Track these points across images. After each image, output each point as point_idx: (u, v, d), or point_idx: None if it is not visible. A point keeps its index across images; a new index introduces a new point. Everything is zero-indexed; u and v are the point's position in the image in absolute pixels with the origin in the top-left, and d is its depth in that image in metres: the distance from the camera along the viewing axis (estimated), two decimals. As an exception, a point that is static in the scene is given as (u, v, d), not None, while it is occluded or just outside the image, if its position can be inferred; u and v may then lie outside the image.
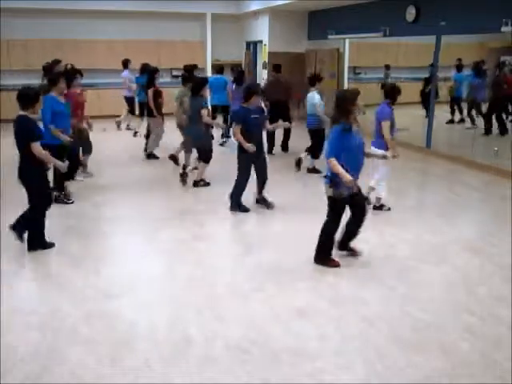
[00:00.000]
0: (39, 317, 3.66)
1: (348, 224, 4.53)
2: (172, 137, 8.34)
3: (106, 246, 5.07)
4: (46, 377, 3.00)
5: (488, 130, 9.70)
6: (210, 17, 13.60)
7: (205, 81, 6.99)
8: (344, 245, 4.62)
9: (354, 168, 4.22)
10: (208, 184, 7.03)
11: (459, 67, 10.69)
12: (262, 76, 13.42)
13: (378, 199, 5.89)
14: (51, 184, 5.78)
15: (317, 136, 7.57)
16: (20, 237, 4.75)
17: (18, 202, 6.00)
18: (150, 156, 8.69)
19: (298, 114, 11.56)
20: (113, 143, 9.81)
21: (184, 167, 7.69)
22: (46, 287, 4.25)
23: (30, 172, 4.58)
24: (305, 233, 5.27)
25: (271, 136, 8.82)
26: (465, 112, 10.79)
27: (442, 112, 9.91)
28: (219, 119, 9.75)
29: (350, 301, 3.91)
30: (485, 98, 10.33)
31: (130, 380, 2.98)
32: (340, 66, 11.94)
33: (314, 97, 7.46)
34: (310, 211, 5.93)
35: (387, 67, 12.04)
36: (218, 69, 10.25)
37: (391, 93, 5.68)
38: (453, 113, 10.92)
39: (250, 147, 5.61)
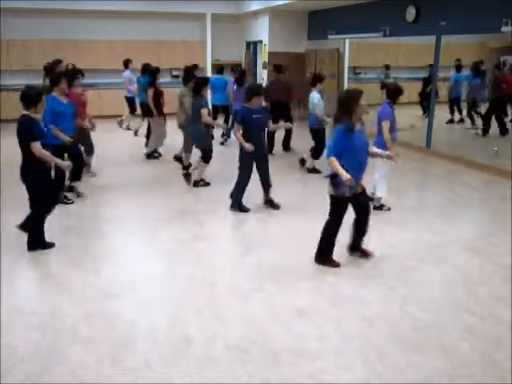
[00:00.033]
0: (39, 317, 3.66)
1: (354, 226, 4.53)
2: (174, 137, 8.32)
3: (106, 246, 5.08)
4: (46, 377, 3.00)
5: (486, 130, 9.71)
6: (209, 17, 13.59)
7: (206, 80, 6.99)
8: (354, 247, 4.62)
9: (356, 168, 4.21)
10: (208, 184, 7.04)
11: (458, 67, 10.70)
12: (262, 76, 13.42)
13: (378, 199, 5.89)
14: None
15: (318, 136, 7.57)
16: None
17: (18, 201, 6.02)
18: (150, 156, 8.69)
19: (299, 114, 11.57)
20: (113, 143, 9.81)
21: (187, 167, 7.70)
22: (46, 287, 4.25)
23: (31, 172, 4.59)
24: (305, 233, 5.27)
25: (271, 136, 8.83)
26: (464, 112, 10.81)
27: (441, 112, 9.92)
28: (220, 119, 9.75)
29: (350, 301, 3.91)
30: (484, 98, 10.33)
31: (130, 380, 2.98)
32: (340, 66, 11.94)
33: (313, 96, 7.46)
34: (310, 211, 5.93)
35: (387, 67, 12.05)
36: (219, 69, 10.26)
37: (392, 93, 5.68)
38: (452, 113, 10.93)
39: (248, 147, 5.63)
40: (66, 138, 5.70)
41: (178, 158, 7.92)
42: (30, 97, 4.52)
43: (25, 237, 4.77)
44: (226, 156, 7.92)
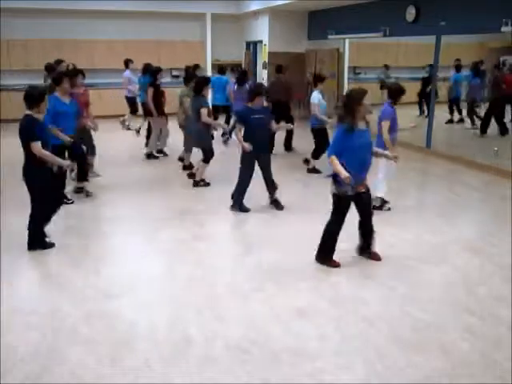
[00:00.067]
0: (39, 317, 3.66)
1: (359, 226, 4.52)
2: (176, 137, 8.31)
3: (106, 246, 5.07)
4: (46, 377, 3.00)
5: (483, 130, 9.71)
6: (209, 17, 13.60)
7: (207, 80, 6.98)
8: (363, 249, 4.62)
9: (358, 167, 4.20)
10: (208, 184, 7.03)
11: (458, 67, 10.70)
12: (262, 76, 13.42)
13: (378, 199, 5.88)
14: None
15: (319, 135, 7.56)
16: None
17: (18, 201, 6.02)
18: (150, 156, 8.69)
19: (299, 114, 11.57)
20: (113, 143, 9.80)
21: (188, 167, 7.70)
22: (46, 287, 4.26)
23: (32, 171, 4.60)
24: (305, 233, 5.27)
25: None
26: (464, 112, 10.81)
27: (441, 112, 9.92)
28: (221, 119, 9.73)
29: (350, 301, 3.91)
30: (483, 98, 10.34)
31: (130, 380, 2.98)
32: (340, 66, 11.94)
33: (313, 97, 7.46)
34: (310, 211, 5.93)
35: (386, 67, 12.06)
36: (220, 69, 10.25)
37: (394, 93, 5.68)
38: (452, 113, 10.93)
39: (246, 147, 5.67)
40: (66, 138, 5.70)
41: (182, 159, 7.91)
42: (33, 97, 4.54)
43: (24, 237, 4.77)
44: (227, 156, 7.92)
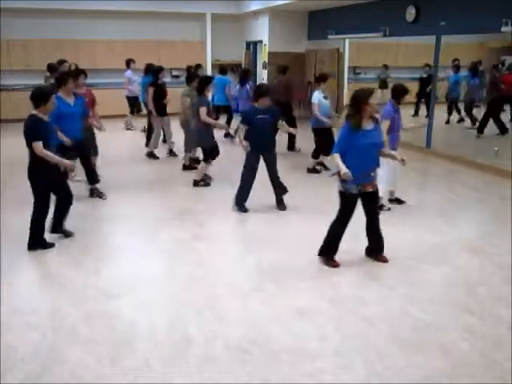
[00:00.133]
0: (39, 317, 3.67)
1: (366, 228, 4.52)
2: (180, 138, 8.29)
3: (106, 246, 5.07)
4: (46, 377, 3.00)
5: (481, 130, 9.72)
6: (209, 17, 13.60)
7: (209, 79, 6.98)
8: (370, 251, 4.62)
9: (364, 167, 4.19)
10: (208, 184, 7.04)
11: (457, 68, 10.71)
12: (262, 76, 13.43)
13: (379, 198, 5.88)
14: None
15: (319, 135, 7.55)
16: (66, 233, 5.05)
17: (18, 201, 6.03)
18: (151, 155, 8.70)
19: (299, 114, 11.56)
20: (113, 143, 9.78)
21: (188, 167, 7.70)
22: (46, 287, 4.26)
23: (34, 171, 4.61)
24: (305, 233, 5.28)
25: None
26: (463, 112, 10.82)
27: (440, 112, 9.92)
28: (221, 119, 9.72)
29: (350, 301, 3.91)
30: (482, 98, 10.35)
31: (130, 380, 2.98)
32: (340, 66, 11.95)
33: (314, 96, 7.45)
34: (310, 211, 5.94)
35: (386, 67, 12.07)
36: (221, 69, 10.25)
37: (398, 93, 5.68)
38: (450, 113, 10.94)
39: (244, 145, 5.74)
40: (66, 139, 5.68)
41: (194, 160, 7.91)
42: (40, 96, 4.56)
43: (24, 237, 4.77)
44: (228, 156, 7.91)
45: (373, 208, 4.45)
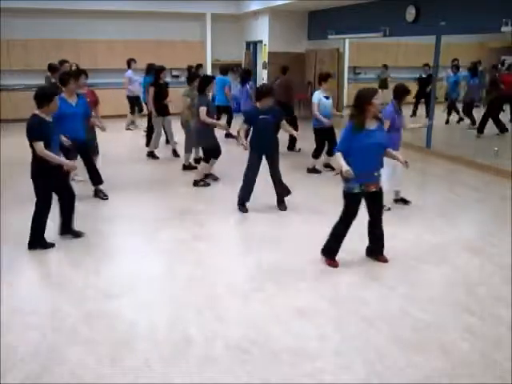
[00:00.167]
0: (39, 317, 3.67)
1: (368, 227, 4.52)
2: (179, 137, 8.31)
3: (105, 246, 5.07)
4: (46, 377, 3.00)
5: (480, 130, 9.73)
6: (209, 17, 13.60)
7: (210, 79, 6.98)
8: (370, 251, 4.63)
9: (367, 167, 4.19)
10: (208, 184, 7.04)
11: (456, 68, 10.72)
12: (262, 76, 13.43)
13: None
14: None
15: (320, 135, 7.56)
16: (75, 233, 5.07)
17: (18, 201, 6.03)
18: (151, 155, 8.70)
19: (299, 114, 11.57)
20: (113, 143, 9.80)
21: (188, 167, 7.70)
22: (46, 287, 4.26)
23: (36, 170, 4.63)
24: (305, 233, 5.28)
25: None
26: (461, 112, 10.83)
27: (439, 112, 9.93)
28: (222, 120, 9.73)
29: (350, 301, 3.91)
30: (482, 98, 10.36)
31: (130, 380, 2.99)
32: (340, 66, 11.95)
33: (314, 96, 7.45)
34: (311, 211, 5.94)
35: (385, 67, 12.08)
36: (222, 69, 10.25)
37: (399, 93, 5.68)
38: (449, 113, 10.95)
39: (244, 144, 5.80)
40: (66, 140, 5.68)
41: (197, 160, 7.91)
42: (42, 96, 4.57)
43: (24, 237, 4.77)
44: (228, 156, 7.91)
45: (376, 208, 4.45)
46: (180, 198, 6.60)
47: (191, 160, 7.90)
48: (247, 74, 10.26)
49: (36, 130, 4.50)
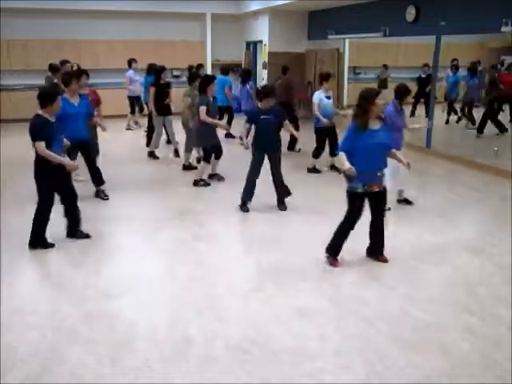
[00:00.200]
0: (39, 317, 3.67)
1: (370, 227, 4.52)
2: (183, 137, 8.29)
3: (105, 246, 5.07)
4: (46, 377, 3.00)
5: (480, 130, 9.73)
6: (209, 17, 13.60)
7: (211, 78, 6.98)
8: (370, 251, 4.62)
9: (370, 167, 4.19)
10: (208, 184, 7.04)
11: (455, 68, 10.72)
12: (262, 76, 13.43)
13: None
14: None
15: (321, 135, 7.56)
16: (83, 235, 5.06)
17: (18, 201, 6.04)
18: (151, 155, 8.70)
19: (299, 115, 11.57)
20: (113, 143, 9.80)
21: (188, 167, 7.70)
22: (46, 287, 4.26)
23: (39, 170, 4.65)
24: (305, 233, 5.28)
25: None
26: (460, 112, 10.84)
27: (439, 112, 9.93)
28: (223, 120, 9.73)
29: (350, 301, 3.91)
30: (481, 98, 10.36)
31: (130, 380, 2.98)
32: (340, 66, 11.95)
33: (314, 96, 7.46)
34: (310, 211, 5.94)
35: (385, 67, 12.08)
36: (223, 70, 10.25)
37: (401, 93, 5.68)
38: (449, 113, 10.95)
39: (245, 143, 5.88)
40: (66, 141, 5.68)
41: (199, 160, 7.92)
42: (47, 96, 4.59)
43: (24, 237, 4.78)
44: (229, 156, 7.90)
45: (379, 208, 4.44)
46: (180, 197, 6.61)
47: (191, 160, 7.90)
48: (247, 74, 10.28)
49: (39, 130, 4.53)
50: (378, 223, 4.47)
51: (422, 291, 4.08)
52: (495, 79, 10.07)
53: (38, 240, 4.78)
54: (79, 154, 6.18)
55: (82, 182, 6.78)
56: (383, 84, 11.62)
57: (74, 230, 5.06)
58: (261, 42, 13.29)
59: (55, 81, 8.47)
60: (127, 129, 11.48)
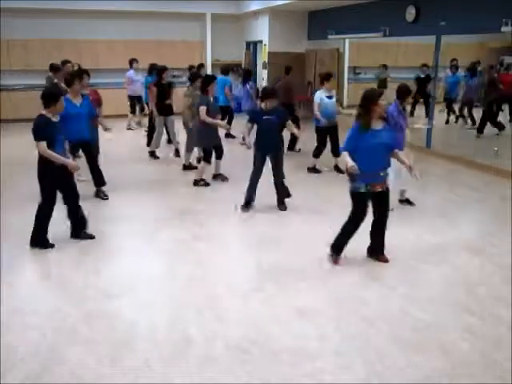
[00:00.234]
0: (39, 317, 3.66)
1: (371, 227, 4.51)
2: (184, 137, 8.30)
3: (106, 246, 5.07)
4: (46, 377, 3.00)
5: (480, 130, 9.73)
6: (209, 17, 13.60)
7: (211, 78, 6.98)
8: (371, 250, 4.62)
9: (373, 168, 4.20)
10: (208, 184, 7.04)
11: (455, 68, 10.71)
12: (262, 76, 13.43)
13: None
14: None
15: (320, 135, 7.56)
16: (87, 235, 5.06)
17: (18, 201, 6.04)
18: (152, 155, 8.69)
19: (299, 115, 11.56)
20: (113, 143, 9.80)
21: (188, 167, 7.70)
22: (46, 287, 4.26)
23: (41, 170, 4.66)
24: (305, 233, 5.28)
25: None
26: (464, 112, 10.83)
27: (436, 112, 9.91)
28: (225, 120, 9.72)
29: (350, 301, 3.91)
30: (480, 98, 10.35)
31: (130, 380, 2.98)
32: (340, 66, 11.95)
33: (315, 96, 7.46)
34: (310, 211, 5.94)
35: (385, 67, 12.07)
36: (224, 70, 10.25)
37: (402, 93, 5.68)
38: (449, 113, 10.95)
39: (247, 143, 5.89)
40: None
41: (199, 160, 7.92)
42: (50, 96, 4.60)
43: (24, 237, 4.78)
44: (229, 156, 7.89)
45: (382, 209, 4.44)
46: (180, 197, 6.61)
47: (191, 160, 7.90)
48: (248, 74, 10.28)
49: (41, 130, 4.54)
50: (381, 223, 4.47)
51: (422, 291, 4.08)
52: (494, 79, 10.06)
53: (39, 239, 4.79)
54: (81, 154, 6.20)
55: (83, 181, 6.79)
56: (383, 84, 11.61)
57: (79, 231, 5.06)
58: (261, 41, 13.29)
59: (55, 81, 8.47)
60: (128, 129, 11.48)
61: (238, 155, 8.23)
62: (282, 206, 6.02)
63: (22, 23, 12.14)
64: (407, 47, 11.58)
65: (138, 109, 11.33)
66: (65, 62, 9.16)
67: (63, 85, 6.98)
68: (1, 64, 12.02)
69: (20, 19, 12.07)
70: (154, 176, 7.68)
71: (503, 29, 7.09)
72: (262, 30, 13.04)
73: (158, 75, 8.33)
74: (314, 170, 7.73)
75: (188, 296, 3.99)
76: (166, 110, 8.32)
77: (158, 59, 10.07)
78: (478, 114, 10.27)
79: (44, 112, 4.59)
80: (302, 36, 12.91)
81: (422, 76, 10.76)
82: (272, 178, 5.97)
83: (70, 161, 4.82)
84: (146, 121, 11.13)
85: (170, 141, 9.15)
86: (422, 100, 10.85)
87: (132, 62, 10.97)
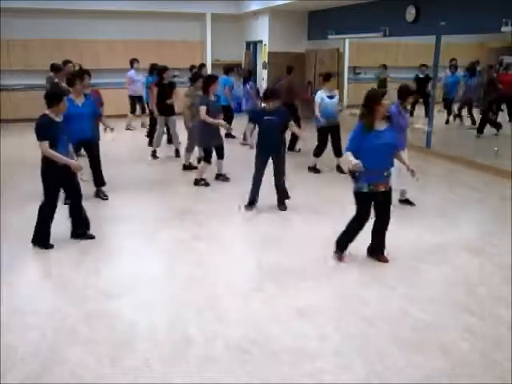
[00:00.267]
0: (39, 317, 3.67)
1: (373, 226, 4.52)
2: (185, 137, 8.30)
3: (106, 246, 5.07)
4: (46, 377, 3.00)
5: (480, 130, 9.72)
6: (209, 17, 13.61)
7: (213, 78, 6.97)
8: (371, 250, 4.63)
9: (376, 168, 4.19)
10: (208, 184, 7.04)
11: (454, 68, 10.70)
12: (262, 76, 13.43)
13: None
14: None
15: (320, 134, 7.56)
16: (88, 236, 5.06)
17: (18, 201, 6.04)
18: (152, 155, 8.69)
19: (300, 115, 11.55)
20: (113, 143, 9.80)
21: (188, 167, 7.70)
22: (46, 287, 4.26)
23: (44, 169, 4.68)
24: (306, 233, 5.28)
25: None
26: (464, 112, 10.82)
27: (436, 112, 9.91)
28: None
29: (350, 301, 3.91)
30: (479, 98, 10.34)
31: (130, 380, 2.99)
32: (340, 66, 11.94)
33: (316, 96, 7.47)
34: (311, 211, 5.94)
35: (384, 67, 12.05)
36: (226, 70, 10.24)
37: (403, 93, 5.69)
38: (449, 113, 10.94)
39: (249, 143, 5.92)
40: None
41: (199, 160, 7.91)
42: (53, 96, 4.62)
43: (24, 237, 4.78)
44: (230, 156, 7.88)
45: (384, 208, 4.44)
46: (180, 197, 6.61)
47: (191, 160, 7.90)
48: (248, 74, 10.29)
49: (44, 130, 4.55)
50: (383, 223, 4.47)
51: (422, 291, 4.08)
52: (493, 79, 10.06)
53: (42, 238, 4.79)
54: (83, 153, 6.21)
55: (85, 181, 6.79)
56: (383, 84, 11.60)
57: (81, 232, 5.06)
58: (261, 42, 13.29)
59: (56, 80, 8.47)
60: (127, 129, 11.48)
61: (238, 155, 8.22)
62: (282, 206, 6.03)
63: (21, 23, 12.13)
64: (407, 47, 11.56)
65: (138, 108, 11.33)
66: (66, 62, 9.16)
67: (64, 84, 6.99)
68: (1, 64, 12.02)
69: (20, 19, 12.07)
70: (154, 176, 7.68)
71: (503, 29, 7.09)
72: (261, 30, 13.04)
73: (159, 75, 8.33)
74: (314, 169, 7.73)
75: (188, 296, 3.99)
76: (167, 110, 8.32)
77: (158, 59, 10.08)
78: (477, 114, 10.26)
79: (47, 112, 4.61)
80: (302, 36, 12.91)
81: (421, 76, 10.76)
82: (270, 177, 5.97)
83: (72, 161, 4.83)
84: (147, 121, 11.18)
85: (170, 141, 9.15)
86: (421, 100, 10.85)
87: (133, 61, 10.97)
